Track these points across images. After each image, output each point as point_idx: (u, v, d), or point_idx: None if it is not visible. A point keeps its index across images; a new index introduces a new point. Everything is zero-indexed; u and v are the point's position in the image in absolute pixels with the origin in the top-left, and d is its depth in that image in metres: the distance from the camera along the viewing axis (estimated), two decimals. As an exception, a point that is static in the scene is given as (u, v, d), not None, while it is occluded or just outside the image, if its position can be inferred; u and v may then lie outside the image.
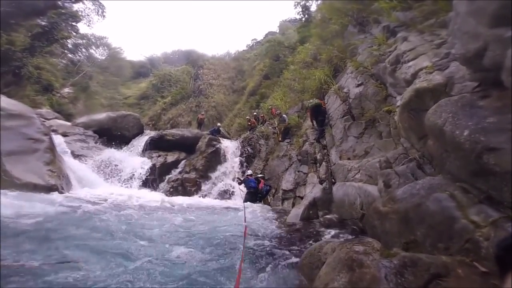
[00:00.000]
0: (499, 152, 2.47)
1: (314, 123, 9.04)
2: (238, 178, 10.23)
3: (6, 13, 17.60)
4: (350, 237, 4.42)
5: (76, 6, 24.24)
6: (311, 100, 9.27)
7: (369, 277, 2.12)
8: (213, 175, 11.28)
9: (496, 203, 2.52)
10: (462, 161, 2.93)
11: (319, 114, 8.75)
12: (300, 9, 21.66)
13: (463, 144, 2.78)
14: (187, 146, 12.84)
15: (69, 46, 25.91)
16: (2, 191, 5.40)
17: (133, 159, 11.64)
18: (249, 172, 9.95)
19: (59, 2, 22.09)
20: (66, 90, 22.68)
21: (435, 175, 3.62)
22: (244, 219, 5.06)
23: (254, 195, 8.99)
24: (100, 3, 26.35)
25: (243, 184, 9.30)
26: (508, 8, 2.53)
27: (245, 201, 8.77)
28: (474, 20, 2.93)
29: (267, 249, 3.89)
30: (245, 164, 11.52)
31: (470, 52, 2.99)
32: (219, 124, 16.97)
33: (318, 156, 7.99)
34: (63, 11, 21.61)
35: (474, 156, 2.66)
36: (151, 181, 10.92)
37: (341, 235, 4.64)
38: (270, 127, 12.57)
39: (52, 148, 7.94)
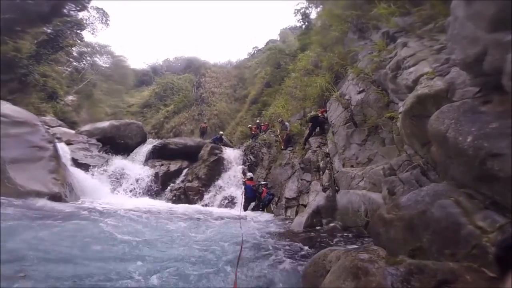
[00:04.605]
0: (503, 157, 2.46)
1: (313, 133, 9.45)
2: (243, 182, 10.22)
3: (12, 20, 17.93)
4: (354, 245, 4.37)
5: (81, 14, 24.78)
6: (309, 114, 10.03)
7: (375, 285, 2.09)
8: (216, 184, 11.26)
9: (501, 209, 2.50)
10: (466, 167, 2.91)
11: (317, 124, 9.30)
12: (300, 17, 21.95)
13: (467, 150, 2.77)
14: (189, 154, 12.89)
15: (74, 54, 26.29)
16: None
17: (136, 168, 11.69)
18: (249, 175, 9.88)
19: (65, 10, 22.55)
20: (70, 98, 22.92)
21: (439, 181, 3.59)
22: (241, 228, 5.02)
23: (251, 201, 9.01)
24: (104, 11, 26.98)
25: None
26: (506, 11, 2.53)
27: (244, 207, 8.77)
28: (472, 24, 2.93)
29: (270, 258, 3.85)
30: (248, 172, 11.52)
31: (470, 57, 3.00)
32: (221, 132, 17.05)
33: (321, 164, 7.97)
34: (68, 19, 21.99)
35: (478, 162, 2.65)
36: (154, 190, 10.93)
37: (345, 243, 4.60)
38: (272, 135, 12.59)
39: (56, 156, 7.99)
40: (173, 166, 12.39)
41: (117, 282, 2.76)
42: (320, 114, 9.30)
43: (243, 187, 9.48)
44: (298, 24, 23.65)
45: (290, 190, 8.64)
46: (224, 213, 8.05)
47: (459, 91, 3.62)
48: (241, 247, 2.77)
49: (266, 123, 14.81)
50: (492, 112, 2.83)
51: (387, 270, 2.16)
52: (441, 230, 2.68)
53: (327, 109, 9.03)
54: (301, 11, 21.55)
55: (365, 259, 2.37)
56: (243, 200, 9.11)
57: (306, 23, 21.84)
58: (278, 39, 34.79)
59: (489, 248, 2.21)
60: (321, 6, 15.92)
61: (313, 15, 20.72)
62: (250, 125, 16.29)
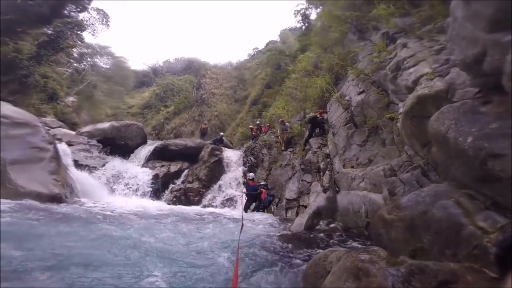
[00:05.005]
0: (503, 158, 2.46)
1: (313, 134, 9.43)
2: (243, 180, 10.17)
3: (12, 21, 17.86)
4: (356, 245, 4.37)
5: (81, 15, 24.73)
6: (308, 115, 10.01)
7: (376, 286, 2.09)
8: (216, 185, 11.26)
9: (502, 209, 2.50)
10: (466, 167, 2.92)
11: (316, 125, 9.29)
12: (300, 18, 22.01)
13: (467, 150, 2.77)
14: (190, 155, 12.90)
15: (75, 55, 26.25)
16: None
17: (136, 169, 11.68)
18: (251, 176, 9.83)
19: (65, 11, 22.54)
20: (71, 99, 22.91)
21: (440, 182, 3.59)
22: (241, 228, 5.00)
23: (253, 201, 9.01)
24: (105, 12, 27.04)
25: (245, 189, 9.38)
26: (505, 12, 2.54)
27: (245, 208, 8.76)
28: (471, 25, 2.93)
29: (271, 258, 3.85)
30: (249, 173, 11.50)
31: (469, 57, 3.00)
32: (221, 133, 17.03)
33: (322, 165, 7.96)
34: (68, 20, 21.91)
35: (478, 162, 2.65)
36: (154, 191, 10.92)
37: (346, 244, 4.59)
38: (273, 136, 12.58)
39: (56, 157, 8.00)
40: (174, 167, 12.40)
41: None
42: (318, 115, 9.34)
43: (244, 188, 9.48)
44: (298, 25, 23.73)
45: (290, 191, 8.63)
46: (225, 214, 8.03)
47: (459, 91, 3.63)
48: (238, 248, 2.78)
49: (268, 124, 14.79)
50: (492, 113, 2.83)
51: (388, 270, 2.16)
52: (442, 230, 2.68)
53: (327, 110, 9.03)
54: (301, 12, 21.62)
55: (366, 260, 2.37)
56: (245, 200, 9.10)
57: (306, 24, 21.89)
58: (278, 40, 34.81)
59: (490, 248, 2.21)
60: (321, 7, 15.95)
61: (313, 16, 20.80)
62: (251, 126, 16.25)
